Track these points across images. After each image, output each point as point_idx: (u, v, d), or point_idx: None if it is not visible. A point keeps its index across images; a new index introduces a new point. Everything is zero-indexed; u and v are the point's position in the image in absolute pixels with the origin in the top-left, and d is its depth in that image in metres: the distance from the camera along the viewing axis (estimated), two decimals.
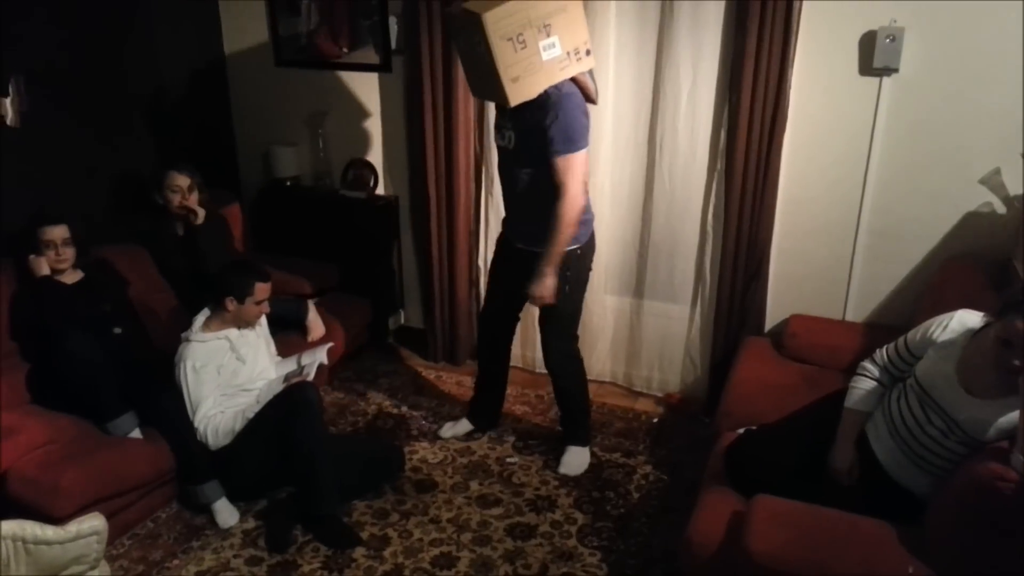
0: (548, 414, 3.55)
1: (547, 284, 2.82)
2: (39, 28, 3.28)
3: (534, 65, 2.58)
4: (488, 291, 3.25)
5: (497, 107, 2.87)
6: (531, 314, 3.27)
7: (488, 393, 3.41)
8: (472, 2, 2.57)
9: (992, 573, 1.87)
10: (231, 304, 2.93)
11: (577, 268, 2.92)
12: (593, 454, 3.28)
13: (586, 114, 2.74)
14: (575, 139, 2.67)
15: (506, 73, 2.54)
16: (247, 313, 2.97)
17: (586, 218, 2.87)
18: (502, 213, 3.16)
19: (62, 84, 3.41)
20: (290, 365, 3.12)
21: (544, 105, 2.65)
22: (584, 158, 2.75)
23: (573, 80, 2.72)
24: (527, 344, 3.84)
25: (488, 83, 2.62)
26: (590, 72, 2.80)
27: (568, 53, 2.63)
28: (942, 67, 2.91)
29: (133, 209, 3.69)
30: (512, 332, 3.30)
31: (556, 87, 2.65)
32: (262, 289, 2.98)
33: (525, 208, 2.89)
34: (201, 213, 3.43)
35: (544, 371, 3.38)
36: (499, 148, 2.91)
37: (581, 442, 3.25)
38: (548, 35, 2.58)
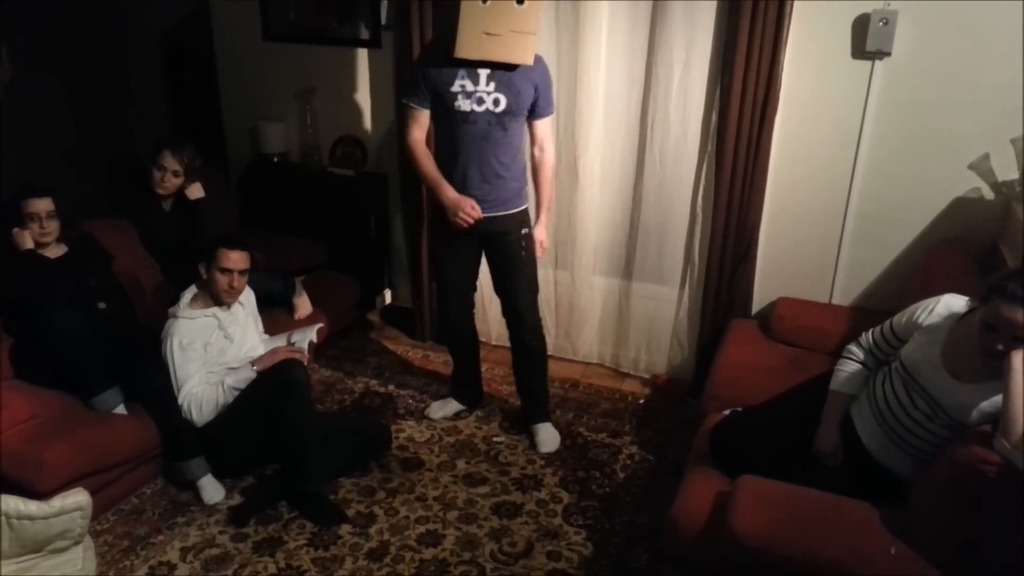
0: None
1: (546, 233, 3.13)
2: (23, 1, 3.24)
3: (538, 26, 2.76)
4: (445, 273, 3.13)
5: (463, 70, 2.75)
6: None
7: (466, 371, 3.42)
8: None
9: (974, 555, 1.89)
10: (203, 271, 2.93)
11: (530, 225, 3.03)
12: (579, 434, 3.29)
13: None
14: (553, 101, 2.94)
15: (534, 28, 2.68)
16: (214, 282, 2.93)
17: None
18: None
19: (48, 57, 3.36)
20: (279, 343, 3.11)
21: (536, 66, 2.78)
22: None
23: None
24: None
25: (505, 40, 2.67)
26: None
27: (536, 20, 2.77)
28: (934, 51, 2.91)
29: (119, 183, 3.65)
30: (473, 307, 3.28)
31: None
32: (224, 255, 2.90)
33: (498, 172, 2.86)
34: (169, 198, 3.44)
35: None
36: (474, 114, 2.78)
37: (548, 417, 3.29)
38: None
